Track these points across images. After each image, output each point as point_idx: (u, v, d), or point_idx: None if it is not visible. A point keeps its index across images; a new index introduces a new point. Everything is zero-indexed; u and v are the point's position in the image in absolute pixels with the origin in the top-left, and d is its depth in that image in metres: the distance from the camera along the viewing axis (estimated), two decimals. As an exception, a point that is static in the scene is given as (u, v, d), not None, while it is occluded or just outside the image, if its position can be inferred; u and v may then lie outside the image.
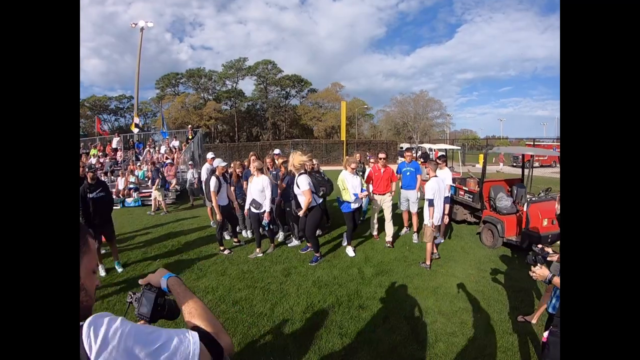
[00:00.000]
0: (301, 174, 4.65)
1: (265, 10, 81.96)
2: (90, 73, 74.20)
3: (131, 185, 10.45)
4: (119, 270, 4.64)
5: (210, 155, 6.91)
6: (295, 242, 5.61)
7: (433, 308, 3.46)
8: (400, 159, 6.38)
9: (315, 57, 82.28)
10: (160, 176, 9.24)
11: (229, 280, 4.24)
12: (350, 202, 4.94)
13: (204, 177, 6.37)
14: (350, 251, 5.10)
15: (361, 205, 5.13)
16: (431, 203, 4.41)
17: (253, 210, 5.01)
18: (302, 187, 4.58)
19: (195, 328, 0.83)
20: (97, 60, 74.67)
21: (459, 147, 13.97)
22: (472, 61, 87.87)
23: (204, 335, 0.80)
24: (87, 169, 4.56)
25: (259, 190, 4.87)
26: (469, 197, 6.15)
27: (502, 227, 5.17)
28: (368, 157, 7.79)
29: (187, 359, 0.72)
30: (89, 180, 4.41)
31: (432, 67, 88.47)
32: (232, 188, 5.57)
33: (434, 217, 4.44)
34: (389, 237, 5.45)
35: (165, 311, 0.98)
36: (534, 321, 3.17)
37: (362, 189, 5.11)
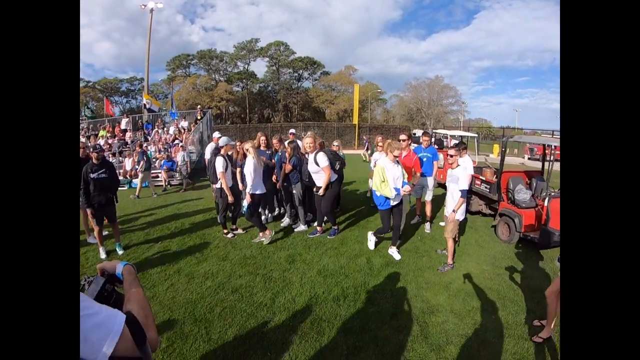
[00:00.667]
0: (318, 151, 4.68)
1: (277, -10, 79.88)
2: (102, 56, 74.08)
3: (138, 166, 10.38)
4: (120, 252, 4.54)
5: (216, 134, 6.70)
6: (302, 227, 5.42)
7: (445, 306, 3.24)
8: (413, 146, 5.92)
9: (329, 40, 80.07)
10: (145, 158, 9.05)
11: (230, 266, 4.09)
12: (389, 198, 4.17)
13: (207, 156, 6.16)
14: (395, 253, 4.40)
15: (401, 200, 4.38)
16: (464, 194, 3.92)
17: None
18: (322, 164, 4.63)
19: (127, 312, 0.85)
20: (108, 44, 74.36)
21: (475, 135, 13.38)
22: (489, 49, 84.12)
23: (130, 320, 0.81)
24: (91, 149, 4.41)
25: (247, 171, 4.62)
26: (486, 187, 5.83)
27: (520, 222, 4.85)
28: (364, 141, 7.20)
29: (109, 335, 0.76)
30: (93, 160, 4.29)
31: (447, 53, 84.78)
32: (238, 169, 5.38)
33: (459, 211, 3.98)
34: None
35: (111, 300, 0.98)
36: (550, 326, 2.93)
37: (403, 182, 4.25)
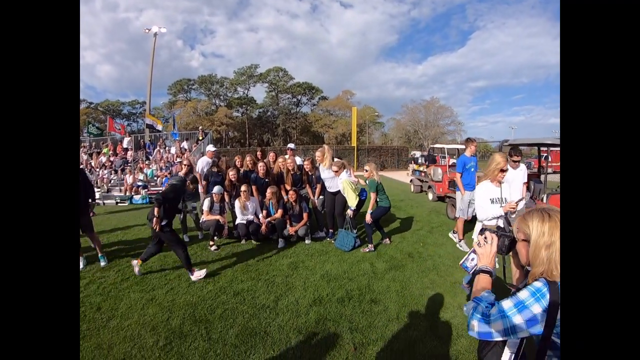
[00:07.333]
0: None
1: (276, 17, 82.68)
2: (103, 79, 75.63)
3: (139, 183, 10.40)
4: (102, 264, 4.35)
5: (210, 147, 6.75)
6: (308, 241, 5.34)
7: (452, 303, 3.14)
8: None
9: (327, 65, 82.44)
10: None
11: (232, 272, 4.01)
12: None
13: (199, 169, 6.16)
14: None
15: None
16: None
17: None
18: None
19: None
20: (109, 67, 76.42)
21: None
22: (484, 69, 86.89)
23: None
24: None
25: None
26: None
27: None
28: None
29: None
30: None
31: (443, 75, 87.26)
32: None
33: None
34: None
35: None
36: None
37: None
